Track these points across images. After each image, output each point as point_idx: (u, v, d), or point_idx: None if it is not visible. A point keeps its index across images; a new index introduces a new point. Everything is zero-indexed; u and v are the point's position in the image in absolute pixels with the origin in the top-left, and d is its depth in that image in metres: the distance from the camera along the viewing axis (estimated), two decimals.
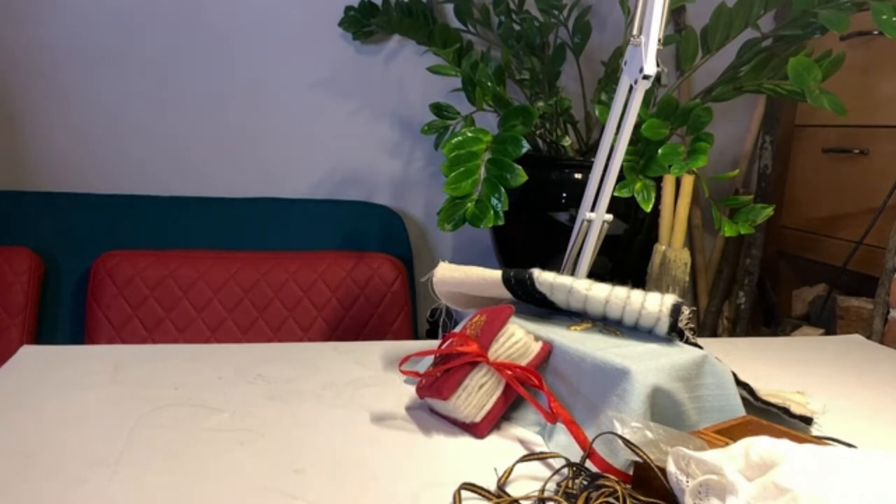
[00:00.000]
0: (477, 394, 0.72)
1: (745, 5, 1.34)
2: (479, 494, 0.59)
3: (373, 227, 1.74)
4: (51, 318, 1.55)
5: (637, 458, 0.57)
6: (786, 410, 0.75)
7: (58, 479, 0.59)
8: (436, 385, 0.72)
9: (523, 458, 0.65)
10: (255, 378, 0.85)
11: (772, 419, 0.71)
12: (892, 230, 1.43)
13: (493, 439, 0.72)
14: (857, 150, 1.62)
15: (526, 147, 1.15)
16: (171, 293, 1.54)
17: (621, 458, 0.61)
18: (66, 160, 1.66)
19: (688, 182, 1.57)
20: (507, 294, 0.84)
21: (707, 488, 0.51)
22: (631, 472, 0.59)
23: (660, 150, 1.13)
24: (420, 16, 1.62)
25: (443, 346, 0.76)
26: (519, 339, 0.75)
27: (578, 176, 1.46)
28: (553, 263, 0.95)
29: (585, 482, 0.59)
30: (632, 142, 1.10)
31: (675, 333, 0.75)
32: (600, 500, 0.55)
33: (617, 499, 0.55)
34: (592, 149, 1.57)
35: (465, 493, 0.59)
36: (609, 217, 0.99)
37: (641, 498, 0.56)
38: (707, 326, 1.86)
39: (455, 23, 1.67)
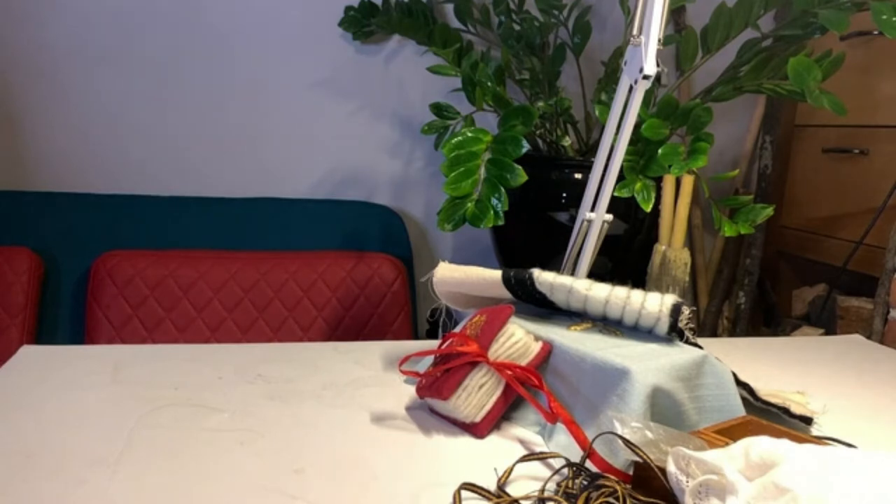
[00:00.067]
0: (477, 394, 0.72)
1: (745, 5, 1.34)
2: (479, 494, 0.59)
3: (373, 227, 1.74)
4: (51, 318, 1.55)
5: (637, 458, 0.57)
6: (786, 410, 0.75)
7: (58, 479, 0.59)
8: (436, 385, 0.72)
9: (523, 458, 0.65)
10: (255, 378, 0.85)
11: (772, 419, 0.71)
12: (892, 230, 1.43)
13: (493, 439, 0.72)
14: (857, 150, 1.62)
15: (526, 147, 1.15)
16: (171, 293, 1.54)
17: (621, 458, 0.61)
18: (66, 160, 1.66)
19: (688, 182, 1.57)
20: (507, 294, 0.84)
21: (707, 488, 0.51)
22: (631, 472, 0.59)
23: (660, 150, 1.13)
24: (420, 16, 1.62)
25: (443, 346, 0.76)
26: (519, 339, 0.75)
27: (578, 176, 1.46)
28: (553, 263, 0.95)
29: (585, 482, 0.59)
30: (632, 142, 1.10)
31: (675, 333, 0.75)
32: (600, 500, 0.55)
33: (617, 499, 0.55)
34: (592, 149, 1.57)
35: (465, 493, 0.59)
36: (609, 217, 0.99)
37: (641, 498, 0.56)
38: (707, 326, 1.86)
39: (455, 23, 1.67)
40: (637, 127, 1.12)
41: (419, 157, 1.83)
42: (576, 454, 0.64)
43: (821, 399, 0.86)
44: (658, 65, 0.86)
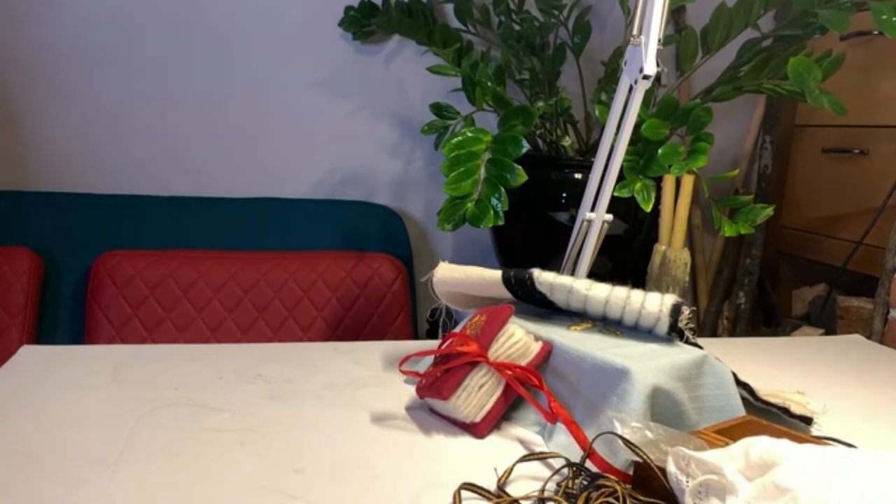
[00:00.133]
0: (477, 394, 0.72)
1: (745, 5, 1.34)
2: (479, 494, 0.59)
3: (373, 227, 1.74)
4: (51, 318, 1.55)
5: (637, 458, 0.57)
6: (786, 410, 0.75)
7: (58, 479, 0.59)
8: (436, 385, 0.72)
9: (523, 458, 0.65)
10: (255, 378, 0.85)
11: (772, 419, 0.71)
12: (892, 230, 1.43)
13: (493, 439, 0.72)
14: (857, 150, 1.62)
15: (526, 147, 1.15)
16: (171, 293, 1.54)
17: (621, 458, 0.61)
18: (66, 160, 1.66)
19: (688, 182, 1.57)
20: (507, 294, 0.84)
21: (707, 488, 0.51)
22: (631, 472, 0.59)
23: (660, 150, 1.13)
24: (420, 16, 1.62)
25: (443, 346, 0.76)
26: (519, 339, 0.75)
27: (578, 176, 1.46)
28: (553, 263, 0.95)
29: (585, 482, 0.59)
30: (632, 142, 1.10)
31: (675, 333, 0.75)
32: (600, 500, 0.55)
33: (617, 499, 0.55)
34: (592, 149, 1.57)
35: (465, 493, 0.59)
36: (609, 217, 0.99)
37: (641, 498, 0.56)
38: (707, 326, 1.86)
39: (455, 23, 1.67)
40: (637, 127, 1.12)
41: (419, 157, 1.83)
42: (576, 454, 0.64)
43: (821, 399, 0.86)
44: (658, 65, 0.86)
